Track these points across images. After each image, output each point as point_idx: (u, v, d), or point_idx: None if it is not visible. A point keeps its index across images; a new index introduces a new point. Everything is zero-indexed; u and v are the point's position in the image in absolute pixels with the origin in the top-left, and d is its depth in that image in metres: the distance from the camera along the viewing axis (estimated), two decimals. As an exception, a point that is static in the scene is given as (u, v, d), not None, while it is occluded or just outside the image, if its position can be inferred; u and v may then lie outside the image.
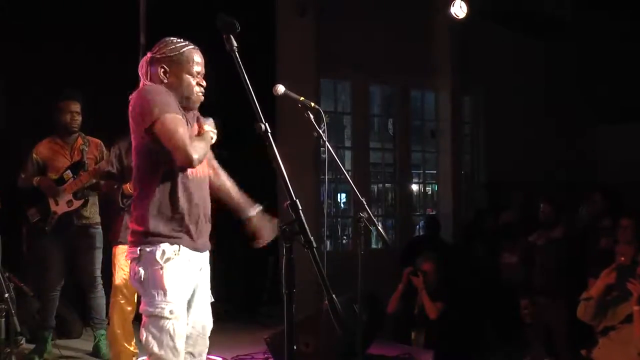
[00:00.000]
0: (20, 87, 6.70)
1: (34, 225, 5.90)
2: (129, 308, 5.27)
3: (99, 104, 6.17)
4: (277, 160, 2.73)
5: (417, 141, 10.79)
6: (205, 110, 3.57)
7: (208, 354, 3.59)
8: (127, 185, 5.05)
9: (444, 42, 10.15)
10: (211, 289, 3.58)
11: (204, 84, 3.46)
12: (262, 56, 7.55)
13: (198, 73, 3.42)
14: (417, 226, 10.74)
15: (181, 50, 3.38)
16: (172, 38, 3.43)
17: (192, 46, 3.43)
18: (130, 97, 3.34)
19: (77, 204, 5.85)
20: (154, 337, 3.24)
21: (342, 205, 10.44)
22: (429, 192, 11.27)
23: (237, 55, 2.85)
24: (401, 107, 10.42)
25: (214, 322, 3.59)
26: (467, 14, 8.69)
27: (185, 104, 3.39)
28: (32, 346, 6.01)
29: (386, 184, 10.75)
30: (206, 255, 3.51)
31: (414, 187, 10.98)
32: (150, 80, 3.37)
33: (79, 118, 5.98)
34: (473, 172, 11.30)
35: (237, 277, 7.86)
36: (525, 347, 6.95)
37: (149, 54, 3.42)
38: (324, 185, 8.88)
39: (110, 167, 5.28)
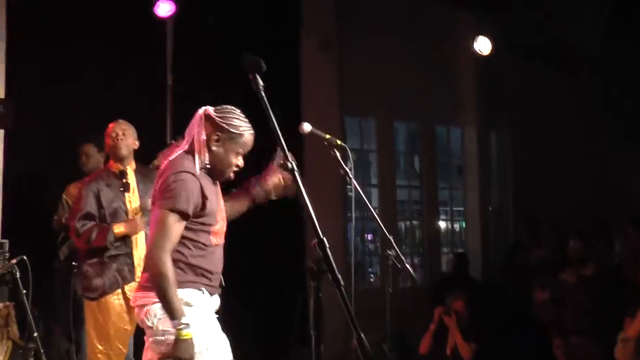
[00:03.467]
0: (49, 130, 6.77)
1: (64, 263, 5.95)
2: None
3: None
4: (304, 198, 2.72)
5: (443, 178, 10.75)
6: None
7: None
8: (119, 224, 4.85)
9: (469, 77, 10.15)
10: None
11: (242, 164, 3.54)
12: (287, 94, 7.59)
13: (242, 155, 3.51)
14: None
15: (242, 132, 3.45)
16: (238, 112, 3.50)
17: (252, 131, 3.49)
18: (166, 162, 3.47)
19: None
20: None
21: (369, 243, 10.39)
22: (457, 229, 11.19)
23: (264, 95, 2.87)
24: (427, 143, 10.40)
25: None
26: (491, 49, 8.69)
27: (217, 176, 3.51)
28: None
29: (413, 222, 10.69)
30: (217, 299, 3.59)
31: (442, 224, 10.91)
32: (199, 135, 3.44)
33: (88, 161, 6.00)
34: (501, 208, 11.21)
35: (265, 318, 7.81)
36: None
37: (210, 112, 3.47)
38: (351, 223, 8.85)
39: (89, 208, 4.93)
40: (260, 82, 2.87)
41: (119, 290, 4.89)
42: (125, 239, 4.86)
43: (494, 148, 11.17)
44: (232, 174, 3.54)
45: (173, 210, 3.28)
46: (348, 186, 8.58)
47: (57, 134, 6.79)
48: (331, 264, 2.63)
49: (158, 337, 3.31)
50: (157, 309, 3.29)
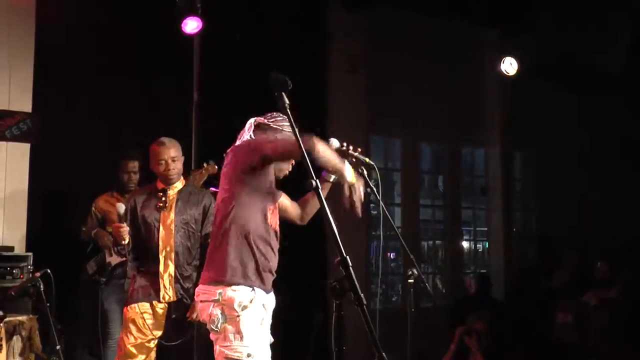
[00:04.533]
0: (74, 144, 6.83)
1: (91, 278, 5.99)
2: None
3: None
4: (328, 217, 2.73)
5: (467, 198, 10.71)
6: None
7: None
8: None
9: (494, 99, 10.13)
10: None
11: (293, 161, 3.74)
12: (313, 113, 7.61)
13: None
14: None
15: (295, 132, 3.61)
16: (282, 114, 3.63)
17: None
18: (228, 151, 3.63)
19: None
20: None
21: (391, 262, 10.35)
22: (480, 250, 11.14)
23: (289, 112, 2.89)
24: (451, 163, 10.39)
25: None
26: (517, 71, 8.68)
27: (275, 174, 3.69)
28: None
29: (436, 241, 10.66)
30: (273, 297, 3.71)
31: (465, 244, 10.87)
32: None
33: (135, 177, 6.11)
34: (524, 229, 11.15)
35: (285, 334, 7.77)
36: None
37: (262, 120, 3.67)
38: (374, 242, 8.84)
39: (122, 221, 4.89)
40: (286, 100, 2.89)
41: (148, 308, 4.78)
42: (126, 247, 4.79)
43: (517, 169, 11.14)
44: (288, 171, 3.74)
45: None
46: (372, 205, 8.58)
47: (82, 148, 6.84)
48: (354, 282, 2.63)
49: (227, 343, 3.45)
50: (219, 313, 3.47)
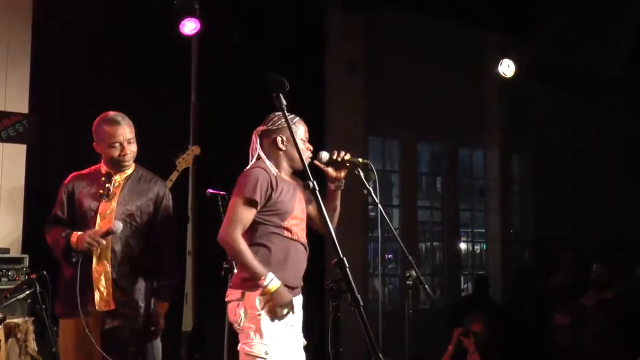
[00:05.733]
0: (71, 145, 6.81)
1: None
2: None
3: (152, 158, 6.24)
4: (325, 218, 2.72)
5: (465, 200, 10.71)
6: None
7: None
8: (75, 234, 4.10)
9: (493, 101, 10.13)
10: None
11: (311, 148, 3.87)
12: (311, 114, 7.58)
13: (305, 140, 3.86)
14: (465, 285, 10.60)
15: (294, 122, 3.72)
16: (278, 112, 3.72)
17: (298, 117, 3.80)
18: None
19: None
20: None
21: (389, 263, 10.34)
22: (478, 251, 11.13)
23: (286, 114, 2.89)
24: (449, 165, 10.38)
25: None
26: (515, 72, 8.67)
27: (298, 166, 3.74)
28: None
29: (434, 243, 10.65)
30: (299, 299, 3.81)
31: (463, 246, 10.87)
32: (266, 150, 3.80)
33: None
34: (522, 230, 11.15)
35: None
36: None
37: (261, 128, 3.79)
38: (371, 243, 8.83)
39: (59, 210, 4.29)
40: (284, 102, 2.90)
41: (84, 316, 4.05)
42: (83, 253, 4.09)
43: (516, 171, 11.14)
44: (309, 157, 3.79)
45: (241, 198, 3.63)
46: (370, 206, 8.57)
47: (79, 149, 6.80)
48: (350, 283, 2.63)
49: (247, 340, 3.58)
50: (241, 311, 3.61)
